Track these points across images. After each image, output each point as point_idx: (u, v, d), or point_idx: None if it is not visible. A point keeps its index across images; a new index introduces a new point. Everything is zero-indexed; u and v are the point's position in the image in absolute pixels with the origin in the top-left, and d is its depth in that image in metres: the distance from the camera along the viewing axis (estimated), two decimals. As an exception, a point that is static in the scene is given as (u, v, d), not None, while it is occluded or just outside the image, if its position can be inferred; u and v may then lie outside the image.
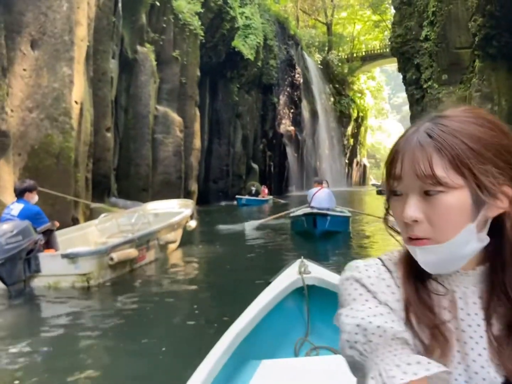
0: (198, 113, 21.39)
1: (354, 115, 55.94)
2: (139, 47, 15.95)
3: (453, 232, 0.65)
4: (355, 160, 59.05)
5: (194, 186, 20.65)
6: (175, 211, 8.18)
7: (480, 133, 0.66)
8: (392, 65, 66.03)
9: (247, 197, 23.74)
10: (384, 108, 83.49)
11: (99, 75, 11.47)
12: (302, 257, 2.75)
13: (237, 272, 6.36)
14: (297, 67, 41.28)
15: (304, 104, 43.58)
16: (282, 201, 24.97)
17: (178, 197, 17.34)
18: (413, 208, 0.66)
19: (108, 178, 12.91)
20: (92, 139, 10.28)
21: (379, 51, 57.22)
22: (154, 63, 16.80)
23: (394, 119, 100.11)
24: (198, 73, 21.20)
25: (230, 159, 28.50)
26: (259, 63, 31.64)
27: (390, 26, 48.14)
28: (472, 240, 0.67)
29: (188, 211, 8.00)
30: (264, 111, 35.63)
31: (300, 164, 40.59)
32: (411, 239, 0.68)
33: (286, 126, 39.25)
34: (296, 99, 41.14)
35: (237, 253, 7.74)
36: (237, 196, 23.74)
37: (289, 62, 40.18)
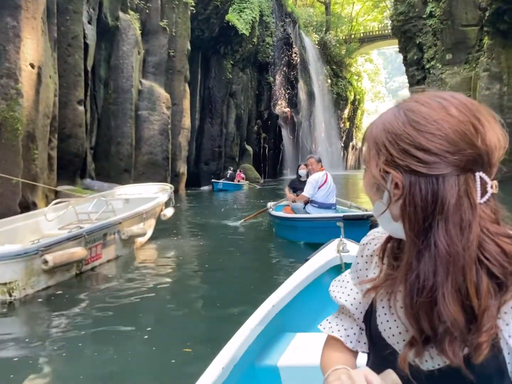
0: (188, 89, 19.95)
1: (351, 98, 54.84)
2: (121, 14, 14.47)
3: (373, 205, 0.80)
4: (351, 144, 58.13)
5: (183, 168, 19.35)
6: (149, 197, 6.92)
7: (391, 122, 0.75)
8: (390, 48, 64.80)
9: (223, 181, 21.98)
10: (380, 92, 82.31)
11: (68, 39, 10.07)
12: (341, 235, 2.77)
13: (220, 275, 5.14)
14: (294, 46, 39.77)
15: (301, 85, 42.21)
16: (258, 186, 23.58)
17: (164, 179, 16.13)
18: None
19: (81, 157, 11.59)
20: (57, 112, 8.91)
21: (377, 32, 56.03)
22: (139, 32, 15.34)
23: (390, 103, 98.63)
24: (189, 47, 19.71)
25: (222, 140, 27.17)
26: (255, 40, 30.16)
27: (389, 6, 46.73)
28: (390, 218, 0.78)
29: (163, 197, 6.76)
30: (259, 90, 34.28)
31: (295, 146, 39.45)
32: None
33: (282, 107, 37.94)
34: (293, 79, 39.71)
35: (221, 248, 6.49)
36: (213, 180, 21.92)
37: (286, 41, 38.65)
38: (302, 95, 42.28)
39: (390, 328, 0.81)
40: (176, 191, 18.59)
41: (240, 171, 24.30)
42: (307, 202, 6.67)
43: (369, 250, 0.91)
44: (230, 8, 25.98)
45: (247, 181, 24.09)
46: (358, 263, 0.92)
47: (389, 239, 0.85)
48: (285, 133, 37.85)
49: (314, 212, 6.51)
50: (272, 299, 2.08)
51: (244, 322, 1.82)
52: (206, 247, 6.66)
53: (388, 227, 0.80)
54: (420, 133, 0.71)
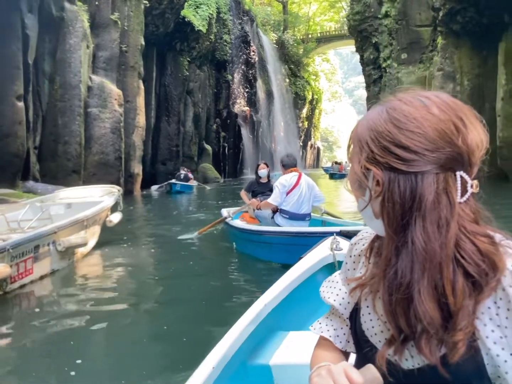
0: (142, 86, 19.13)
1: (309, 97, 55.30)
2: (67, 4, 13.53)
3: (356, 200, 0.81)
4: (309, 143, 58.59)
5: (137, 168, 18.51)
6: (94, 201, 6.27)
7: (374, 120, 0.76)
8: (346, 48, 65.88)
9: (175, 181, 20.05)
10: (337, 91, 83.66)
11: (2, 26, 9.13)
12: (335, 233, 2.82)
13: (170, 294, 4.60)
14: (252, 44, 39.49)
15: (260, 84, 42.03)
16: (207, 187, 22.38)
17: (117, 180, 15.31)
18: None
19: (21, 157, 10.66)
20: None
21: (334, 32, 56.70)
22: (87, 24, 14.43)
23: (347, 103, 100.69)
24: (142, 42, 18.89)
25: (180, 139, 26.42)
26: (212, 37, 29.60)
27: (345, 7, 47.33)
28: (372, 215, 0.78)
29: (109, 201, 6.11)
30: (217, 88, 33.74)
31: (255, 146, 39.21)
32: None
33: (240, 106, 37.57)
34: (251, 78, 39.40)
35: (173, 263, 5.88)
36: (172, 181, 19.79)
37: (243, 39, 38.30)
38: (261, 94, 42.10)
39: (373, 327, 0.81)
40: (130, 193, 17.86)
41: (188, 170, 22.15)
42: (276, 210, 5.41)
43: (357, 250, 0.92)
44: (186, 3, 25.28)
45: (197, 182, 22.56)
46: (346, 263, 0.94)
47: (376, 238, 0.86)
48: (245, 132, 37.51)
49: (285, 224, 5.25)
50: (265, 297, 2.06)
51: (235, 322, 1.79)
52: (156, 258, 6.05)
53: (371, 224, 0.81)
54: (400, 130, 0.72)
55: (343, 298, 0.91)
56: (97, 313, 3.81)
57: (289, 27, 53.22)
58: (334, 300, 0.92)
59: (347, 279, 0.91)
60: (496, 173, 17.93)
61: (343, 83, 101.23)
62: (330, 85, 75.94)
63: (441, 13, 19.70)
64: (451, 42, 20.08)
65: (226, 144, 34.31)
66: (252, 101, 39.15)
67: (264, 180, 6.61)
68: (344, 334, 0.92)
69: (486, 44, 18.60)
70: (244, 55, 38.29)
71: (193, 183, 21.12)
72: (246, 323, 1.80)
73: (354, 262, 0.92)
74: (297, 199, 5.23)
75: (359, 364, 0.78)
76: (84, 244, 5.19)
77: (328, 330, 0.93)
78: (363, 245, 0.91)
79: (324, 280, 0.99)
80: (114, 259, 5.70)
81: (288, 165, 5.44)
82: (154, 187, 20.67)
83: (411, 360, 0.74)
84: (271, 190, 5.99)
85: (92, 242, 5.80)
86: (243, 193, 6.75)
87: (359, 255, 0.91)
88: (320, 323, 0.96)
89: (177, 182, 19.64)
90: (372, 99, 31.86)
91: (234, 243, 6.06)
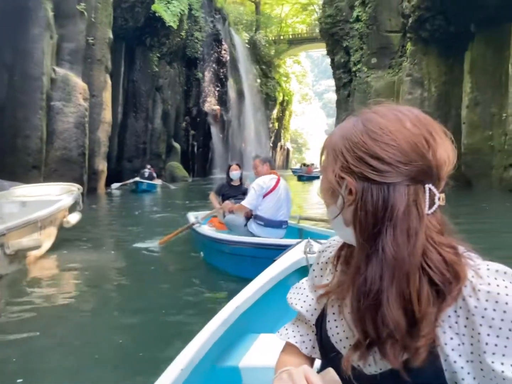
0: (109, 81, 18.55)
1: (280, 98, 55.47)
2: (30, -8, 12.91)
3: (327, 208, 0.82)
4: (279, 144, 58.73)
5: (102, 165, 17.94)
6: (51, 200, 5.90)
7: (350, 131, 0.78)
8: (317, 51, 66.48)
9: (147, 181, 18.95)
10: (308, 94, 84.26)
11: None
12: (309, 237, 2.80)
13: (131, 298, 4.33)
14: (224, 43, 39.21)
15: (231, 83, 41.75)
16: (172, 187, 20.89)
17: (80, 177, 14.77)
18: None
19: (-25, 151, 10.07)
20: None
21: (306, 35, 57.03)
22: (51, 14, 13.81)
23: (316, 105, 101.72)
24: (111, 35, 18.33)
25: (148, 136, 25.88)
26: (183, 34, 29.17)
27: (317, 10, 47.75)
28: (342, 223, 0.79)
29: (67, 201, 5.75)
30: (187, 86, 33.30)
31: (225, 145, 38.95)
32: None
33: (211, 104, 37.20)
34: (222, 76, 39.10)
35: (137, 263, 5.61)
36: (138, 180, 18.74)
37: (215, 37, 37.98)
38: (231, 93, 41.83)
39: (338, 333, 0.83)
40: (94, 190, 17.26)
41: (152, 168, 20.69)
42: (249, 216, 4.77)
43: (325, 258, 0.94)
44: (157, -2, 24.79)
45: (161, 181, 21.13)
46: (314, 270, 0.95)
47: (344, 246, 0.87)
48: (215, 131, 37.18)
49: (260, 233, 4.67)
50: (236, 300, 2.05)
51: (204, 326, 1.77)
52: (116, 263, 5.67)
53: (340, 232, 0.82)
54: (375, 142, 0.74)
55: (310, 305, 0.92)
56: (45, 321, 3.52)
57: (261, 27, 53.20)
58: (301, 307, 0.93)
59: (315, 285, 0.93)
60: (459, 179, 18.37)
61: (313, 85, 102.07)
62: (301, 87, 76.36)
63: (410, 20, 20.03)
64: (419, 48, 20.45)
65: (195, 143, 33.91)
66: (222, 100, 38.85)
67: (236, 183, 6.08)
68: (310, 340, 0.93)
69: (453, 52, 19.02)
70: (216, 54, 37.96)
71: (157, 182, 20.16)
72: (216, 325, 1.80)
73: (321, 269, 0.94)
74: (275, 204, 4.68)
75: (323, 370, 0.78)
76: (38, 247, 4.84)
77: (294, 336, 0.94)
78: (331, 252, 0.93)
79: (292, 287, 1.00)
80: (69, 263, 5.35)
81: (272, 166, 4.99)
82: (114, 185, 19.33)
83: (374, 366, 0.77)
84: (244, 194, 5.58)
85: (47, 244, 5.44)
86: (212, 196, 6.16)
87: (326, 263, 0.93)
88: (286, 329, 0.97)
89: (143, 180, 18.98)
90: (342, 103, 32.19)
91: (201, 252, 5.42)
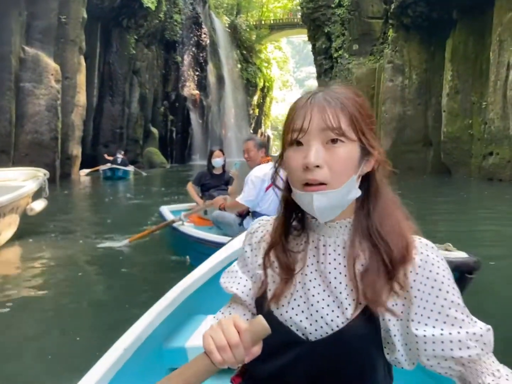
0: (83, 63, 17.86)
1: (260, 84, 54.89)
2: (-5, -35, 12.17)
3: (344, 179, 0.80)
4: (259, 131, 58.30)
5: (76, 150, 17.34)
6: (14, 185, 5.49)
7: (361, 102, 0.84)
8: (298, 37, 65.92)
9: (122, 167, 17.70)
10: (288, 80, 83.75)
11: None
12: None
13: (95, 291, 4.02)
14: (203, 26, 38.37)
15: (210, 68, 41.00)
16: (144, 173, 19.96)
17: (53, 162, 14.22)
18: (316, 155, 0.79)
19: None
20: None
21: (287, 20, 56.40)
22: (19, -11, 13.09)
23: (297, 92, 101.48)
24: (85, 14, 17.59)
25: (125, 121, 25.20)
26: (161, 15, 28.36)
27: (299, -6, 47.31)
28: (353, 190, 0.82)
29: (30, 187, 5.36)
30: (166, 70, 32.52)
31: (205, 131, 38.37)
32: (308, 185, 0.80)
33: (190, 89, 36.49)
34: (202, 61, 38.35)
35: (107, 255, 5.26)
36: (114, 167, 17.50)
37: (195, 20, 37.12)
38: (211, 78, 41.12)
39: (293, 308, 0.87)
40: (68, 176, 16.67)
41: (123, 153, 19.28)
42: (243, 212, 4.00)
43: (257, 238, 0.96)
44: (134, -23, 23.92)
45: (133, 167, 19.69)
46: (246, 251, 0.97)
47: (286, 221, 0.91)
48: (194, 117, 36.55)
49: None
50: (184, 282, 2.05)
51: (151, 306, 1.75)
52: (83, 254, 5.25)
53: (346, 199, 0.83)
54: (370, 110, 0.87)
55: (244, 286, 0.94)
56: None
57: (242, 11, 52.34)
58: (237, 289, 0.94)
59: (248, 266, 0.95)
60: (439, 167, 18.43)
61: (294, 72, 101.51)
62: (282, 74, 75.82)
63: (393, 6, 19.82)
64: (401, 35, 20.29)
65: (174, 128, 33.27)
66: (202, 85, 38.16)
67: (218, 171, 5.33)
68: (247, 319, 0.94)
69: (435, 39, 18.93)
70: (195, 37, 37.15)
71: (130, 168, 18.96)
72: (162, 306, 1.79)
73: (253, 250, 0.95)
74: (277, 198, 3.61)
75: None
76: (-4, 237, 4.46)
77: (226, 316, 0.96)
78: (262, 232, 0.96)
79: (224, 271, 1.01)
80: (32, 253, 4.99)
81: (263, 147, 4.06)
82: (83, 171, 18.32)
83: (320, 330, 0.83)
84: (226, 184, 5.09)
85: (7, 234, 5.05)
86: (190, 187, 5.36)
87: (259, 242, 0.95)
88: (222, 313, 0.98)
89: (119, 167, 18.04)
90: (323, 89, 31.95)
91: (187, 256, 4.49)
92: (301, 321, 0.84)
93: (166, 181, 17.94)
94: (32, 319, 3.34)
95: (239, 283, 0.95)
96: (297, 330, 0.84)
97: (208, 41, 39.08)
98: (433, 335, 0.78)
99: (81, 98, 17.55)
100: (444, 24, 17.72)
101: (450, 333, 0.77)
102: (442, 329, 0.78)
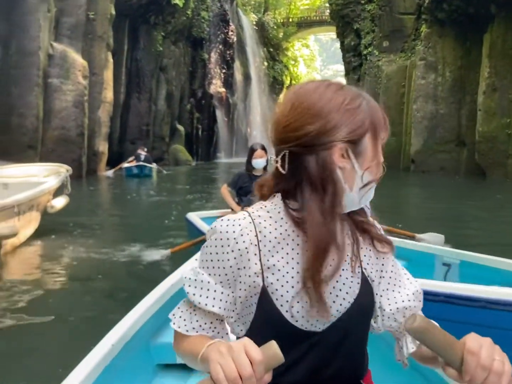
0: (111, 59, 17.89)
1: (287, 82, 54.40)
2: (25, -40, 12.20)
3: None
4: (286, 129, 57.87)
5: (103, 146, 17.37)
6: (36, 181, 5.33)
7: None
8: (326, 34, 65.07)
9: (149, 165, 17.40)
10: (316, 78, 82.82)
11: None
12: None
13: (115, 295, 3.79)
14: (231, 23, 38.23)
15: (237, 66, 40.85)
16: (165, 172, 19.22)
17: (79, 158, 14.25)
18: None
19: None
20: None
21: (315, 18, 55.80)
22: (48, -15, 13.12)
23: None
24: (113, 11, 17.59)
25: (151, 118, 25.19)
26: (189, 12, 28.27)
27: (328, -9, 46.61)
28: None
29: (51, 183, 5.19)
30: (193, 67, 32.46)
31: (230, 129, 38.26)
32: (378, 179, 0.88)
33: (216, 87, 36.40)
34: (229, 58, 38.20)
35: (131, 255, 5.04)
36: (141, 164, 17.20)
37: (222, 17, 36.98)
38: (238, 76, 40.96)
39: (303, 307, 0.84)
40: (94, 172, 16.68)
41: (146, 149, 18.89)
42: None
43: (245, 242, 0.85)
44: (163, -26, 23.90)
45: (155, 164, 19.18)
46: (228, 259, 0.85)
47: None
48: (220, 114, 36.45)
49: None
50: (170, 278, 2.02)
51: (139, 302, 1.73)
52: (105, 254, 5.03)
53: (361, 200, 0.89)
54: None
55: (220, 300, 0.85)
56: (19, 316, 3.00)
57: (270, 9, 52.06)
58: (213, 306, 0.84)
59: (243, 272, 0.85)
60: (474, 168, 17.68)
61: (321, 70, 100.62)
62: (309, 72, 75.14)
63: (426, 1, 19.13)
64: (435, 31, 19.57)
65: (200, 126, 33.20)
66: (228, 83, 38.01)
67: (258, 173, 4.40)
68: (223, 329, 0.89)
69: (471, 35, 18.16)
70: (222, 35, 37.03)
71: (154, 165, 18.48)
72: (149, 303, 1.78)
73: (245, 253, 0.84)
74: None
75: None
76: (13, 235, 4.29)
77: (203, 329, 0.87)
78: (248, 234, 0.84)
79: (188, 281, 0.87)
80: (52, 252, 4.82)
81: None
82: (108, 173, 17.72)
83: (321, 323, 0.84)
84: None
85: (27, 232, 4.90)
86: (225, 191, 4.62)
87: (251, 244, 0.84)
88: (184, 320, 0.88)
89: (146, 164, 17.68)
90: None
91: None
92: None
93: (191, 179, 17.78)
94: (50, 317, 3.19)
95: (214, 298, 0.85)
96: (301, 325, 0.84)
97: (235, 39, 38.93)
98: (393, 291, 0.94)
99: (108, 94, 17.57)
100: (481, 18, 16.95)
101: (407, 289, 0.95)
102: (399, 287, 0.95)
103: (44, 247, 5.04)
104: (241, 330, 0.89)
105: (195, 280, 0.86)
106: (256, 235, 0.84)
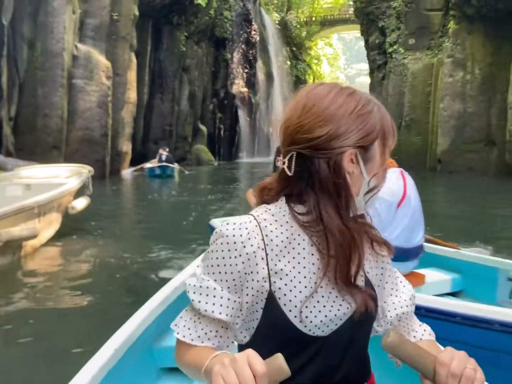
0: (134, 60, 17.99)
1: (310, 81, 53.95)
2: (51, -37, 12.33)
3: None
4: (308, 129, 57.48)
5: (126, 146, 17.48)
6: (58, 182, 5.30)
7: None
8: (350, 33, 64.33)
9: (172, 165, 17.31)
10: (339, 77, 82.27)
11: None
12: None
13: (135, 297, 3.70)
14: (253, 23, 38.12)
15: (260, 65, 40.75)
16: (186, 172, 19.01)
17: (103, 158, 14.35)
18: None
19: (-12, 129, 9.61)
20: None
21: (339, 16, 55.24)
22: (73, -13, 13.24)
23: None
24: (136, 12, 17.69)
25: (174, 118, 25.28)
26: (212, 12, 28.28)
27: (352, -11, 46.14)
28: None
29: (72, 184, 5.14)
30: (215, 67, 32.50)
31: (252, 129, 38.16)
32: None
33: (239, 86, 36.36)
34: (251, 58, 38.11)
35: (154, 257, 4.95)
36: (164, 164, 17.02)
37: (245, 17, 36.93)
38: (260, 75, 40.85)
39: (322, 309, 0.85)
40: (117, 172, 16.79)
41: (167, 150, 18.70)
42: None
43: (253, 246, 0.82)
44: (185, -26, 23.96)
45: (177, 164, 18.91)
46: (236, 264, 0.82)
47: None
48: (242, 114, 36.40)
49: None
50: (173, 281, 2.01)
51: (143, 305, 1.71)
52: (127, 256, 4.95)
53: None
54: None
55: (227, 307, 0.83)
56: (33, 325, 2.92)
57: (293, 8, 51.78)
58: (220, 313, 0.82)
59: (249, 277, 0.83)
60: (504, 168, 17.09)
61: (345, 69, 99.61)
62: (332, 70, 74.51)
63: (455, -5, 18.63)
64: (463, 27, 19.03)
65: (222, 126, 33.21)
66: (251, 82, 37.92)
67: None
68: (228, 337, 0.87)
69: (501, 31, 17.57)
70: (245, 34, 36.97)
71: (176, 165, 18.28)
72: (153, 306, 1.76)
73: (253, 257, 0.82)
74: (410, 219, 2.59)
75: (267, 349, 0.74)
76: (33, 236, 4.24)
77: (209, 338, 0.85)
78: (255, 238, 0.83)
79: (192, 288, 0.84)
80: (72, 253, 4.76)
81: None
82: (127, 171, 17.64)
83: (331, 324, 0.84)
84: None
85: (48, 233, 4.86)
86: (251, 196, 3.74)
87: (258, 248, 0.82)
88: (188, 329, 0.85)
89: (169, 164, 17.60)
90: (376, 86, 30.81)
91: None
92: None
93: (213, 179, 17.71)
94: (70, 318, 3.17)
95: (221, 305, 0.82)
96: (310, 330, 0.83)
97: (257, 38, 38.83)
98: (391, 295, 0.98)
99: (132, 95, 17.67)
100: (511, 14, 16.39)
101: (404, 293, 0.99)
102: (397, 290, 0.99)
103: (64, 248, 5.00)
104: (245, 337, 0.87)
105: (200, 286, 0.84)
106: (263, 239, 0.83)
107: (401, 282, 1.00)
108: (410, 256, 2.70)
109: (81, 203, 5.28)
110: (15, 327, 3.00)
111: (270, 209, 0.87)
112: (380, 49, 30.04)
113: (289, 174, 0.83)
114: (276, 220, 0.85)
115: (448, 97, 19.07)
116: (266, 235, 0.83)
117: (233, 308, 0.83)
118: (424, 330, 0.98)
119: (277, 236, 0.83)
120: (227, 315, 0.83)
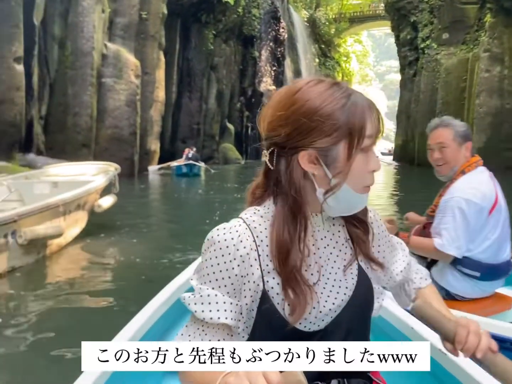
0: (163, 58, 18.05)
1: (339, 79, 53.15)
2: (81, -37, 12.43)
3: None
4: (336, 127, 56.79)
5: (154, 145, 17.56)
6: (85, 180, 5.24)
7: None
8: (380, 29, 63.23)
9: (198, 164, 17.24)
10: (368, 75, 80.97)
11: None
12: None
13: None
14: (282, 21, 37.82)
15: (288, 63, 40.45)
16: (212, 170, 18.53)
17: (131, 156, 14.42)
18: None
19: (19, 127, 9.72)
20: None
21: (368, 12, 54.30)
22: (103, -14, 13.34)
23: (377, 87, 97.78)
24: (165, 10, 17.73)
25: (202, 117, 25.33)
26: (240, 10, 28.17)
27: (382, -15, 45.27)
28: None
29: (98, 182, 5.06)
30: (243, 65, 32.41)
31: (279, 127, 37.90)
32: (367, 187, 0.86)
33: (267, 84, 36.16)
34: (279, 55, 37.83)
35: (181, 255, 4.82)
36: (191, 162, 16.89)
37: (273, 15, 36.67)
38: (288, 73, 40.54)
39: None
40: (146, 171, 16.88)
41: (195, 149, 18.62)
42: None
43: (246, 248, 0.84)
44: (214, -28, 23.92)
45: (203, 163, 18.81)
46: (233, 268, 0.83)
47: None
48: (269, 113, 36.24)
49: (469, 293, 2.19)
50: (178, 279, 1.98)
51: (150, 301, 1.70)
52: (154, 255, 4.88)
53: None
54: None
55: (231, 311, 0.83)
56: (59, 323, 2.83)
57: (322, 5, 51.24)
58: (226, 318, 0.82)
59: (245, 280, 0.84)
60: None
61: (374, 66, 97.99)
62: (361, 68, 73.42)
63: (492, -12, 17.90)
64: (500, 20, 18.26)
65: (249, 124, 33.10)
66: (279, 80, 37.66)
67: None
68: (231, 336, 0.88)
69: (542, 23, 16.77)
70: (273, 32, 36.72)
71: (202, 164, 18.30)
72: (157, 305, 1.75)
73: (247, 260, 0.84)
74: (501, 231, 2.16)
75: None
76: (59, 235, 4.17)
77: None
78: (247, 240, 0.84)
79: (189, 298, 0.84)
80: (98, 253, 4.68)
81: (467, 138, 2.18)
82: (152, 168, 17.36)
83: (326, 318, 0.87)
84: None
85: (74, 231, 4.79)
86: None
87: (250, 250, 0.84)
88: (202, 339, 0.84)
89: (195, 163, 17.52)
90: (407, 83, 30.09)
91: None
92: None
93: (239, 177, 17.57)
94: (95, 316, 3.09)
95: (225, 310, 0.82)
96: (304, 326, 0.86)
97: (286, 36, 38.52)
98: (393, 257, 1.03)
99: (160, 93, 17.73)
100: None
101: (400, 254, 1.05)
102: (395, 249, 1.04)
103: (90, 247, 4.93)
104: (243, 337, 0.87)
105: (200, 296, 0.83)
106: (254, 240, 0.84)
107: (397, 242, 1.06)
108: (500, 274, 2.24)
109: (107, 201, 5.21)
110: (38, 326, 2.93)
111: (259, 210, 0.88)
112: (411, 45, 29.32)
113: (271, 167, 0.85)
114: (265, 221, 0.86)
115: (485, 93, 18.35)
116: (257, 236, 0.84)
117: (235, 312, 0.83)
118: (420, 278, 1.06)
119: (266, 237, 0.84)
120: (232, 319, 0.82)
